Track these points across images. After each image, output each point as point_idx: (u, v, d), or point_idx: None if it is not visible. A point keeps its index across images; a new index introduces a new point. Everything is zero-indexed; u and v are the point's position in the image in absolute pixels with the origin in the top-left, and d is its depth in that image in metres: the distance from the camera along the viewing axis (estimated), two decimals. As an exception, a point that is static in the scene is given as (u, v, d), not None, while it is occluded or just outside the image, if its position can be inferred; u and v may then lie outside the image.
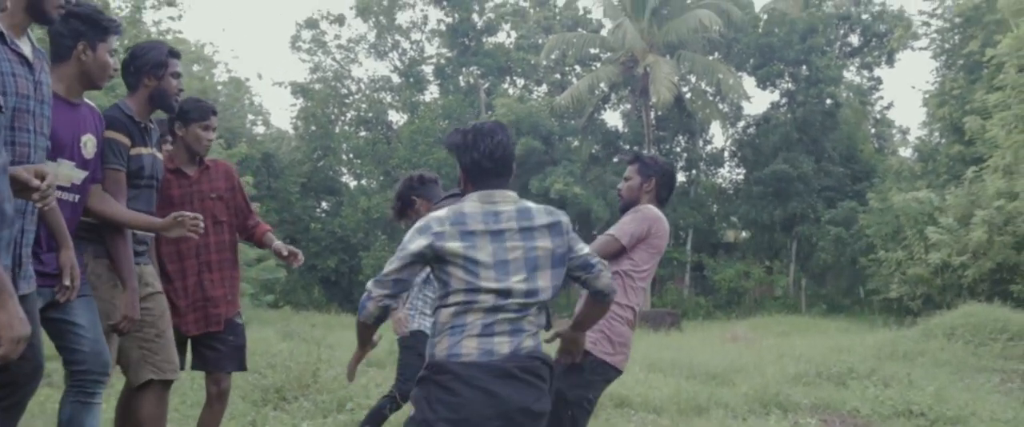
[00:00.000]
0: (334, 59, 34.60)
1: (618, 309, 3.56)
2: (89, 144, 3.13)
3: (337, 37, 34.48)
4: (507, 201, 2.73)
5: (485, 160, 2.71)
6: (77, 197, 3.10)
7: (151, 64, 3.42)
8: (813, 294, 27.63)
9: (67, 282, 2.91)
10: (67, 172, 2.97)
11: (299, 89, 33.16)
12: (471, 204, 2.71)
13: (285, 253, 3.93)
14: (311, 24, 33.81)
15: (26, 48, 2.61)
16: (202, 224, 3.33)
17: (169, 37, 15.75)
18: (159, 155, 3.59)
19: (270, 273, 19.46)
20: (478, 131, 2.75)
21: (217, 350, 3.90)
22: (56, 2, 2.66)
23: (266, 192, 27.57)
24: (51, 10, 2.65)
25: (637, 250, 3.67)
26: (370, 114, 34.15)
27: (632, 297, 3.66)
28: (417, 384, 2.71)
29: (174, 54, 3.51)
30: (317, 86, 33.65)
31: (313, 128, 32.79)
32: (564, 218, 2.80)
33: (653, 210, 3.75)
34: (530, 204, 2.79)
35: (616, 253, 3.63)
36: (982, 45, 21.03)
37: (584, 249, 2.81)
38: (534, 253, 2.69)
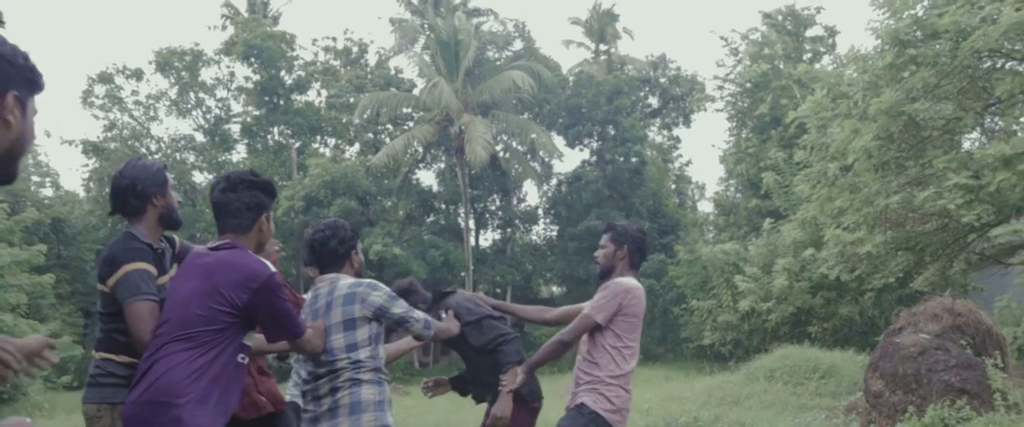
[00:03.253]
0: (131, 116, 32.71)
1: (614, 379, 3.95)
2: None
3: (135, 93, 32.63)
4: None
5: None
6: None
7: (156, 183, 3.26)
8: (629, 345, 28.48)
9: None
10: None
11: (91, 147, 31.02)
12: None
13: None
14: (105, 78, 31.78)
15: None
16: None
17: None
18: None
19: (64, 351, 17.81)
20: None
21: None
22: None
23: (56, 262, 25.34)
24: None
25: (616, 323, 4.01)
26: (172, 175, 32.32)
27: (624, 365, 4.00)
28: None
29: (164, 166, 3.39)
30: (113, 145, 31.60)
31: (107, 191, 30.58)
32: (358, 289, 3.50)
33: (623, 283, 4.07)
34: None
35: (593, 328, 4.03)
36: (771, 107, 22.96)
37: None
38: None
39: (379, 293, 3.49)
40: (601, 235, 4.30)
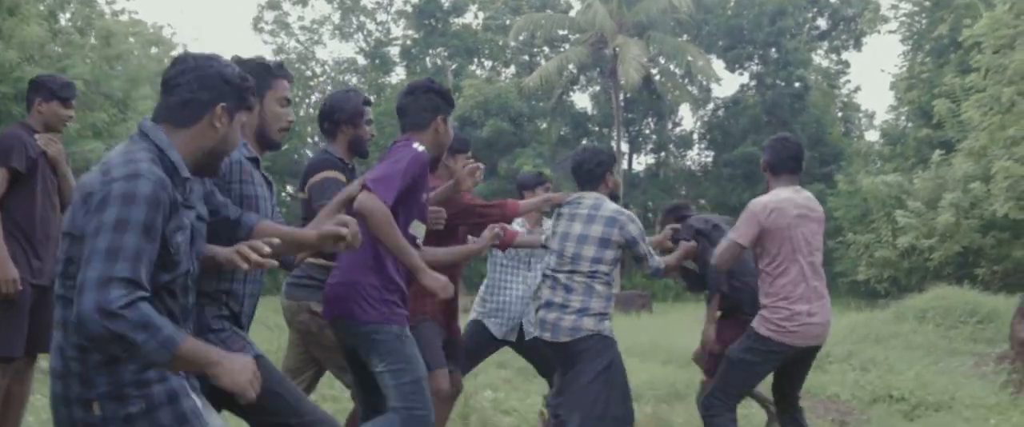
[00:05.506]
0: (298, 41, 34.02)
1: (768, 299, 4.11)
2: None
3: (300, 18, 34.08)
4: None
5: None
6: None
7: (348, 114, 3.62)
8: (782, 276, 27.65)
9: None
10: None
11: (263, 71, 32.50)
12: None
13: None
14: (273, 5, 33.16)
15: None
16: None
17: (124, 18, 15.14)
18: None
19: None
20: None
21: None
22: (280, 125, 2.93)
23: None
24: (276, 136, 2.93)
25: (760, 243, 4.15)
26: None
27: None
28: None
29: (367, 102, 3.74)
30: (281, 69, 32.99)
31: (287, 110, 32.15)
32: None
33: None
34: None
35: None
36: (951, 29, 21.07)
37: None
38: None
39: (635, 226, 4.12)
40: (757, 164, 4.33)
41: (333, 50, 44.77)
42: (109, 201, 1.94)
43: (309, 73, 34.00)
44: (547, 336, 4.15)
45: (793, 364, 4.14)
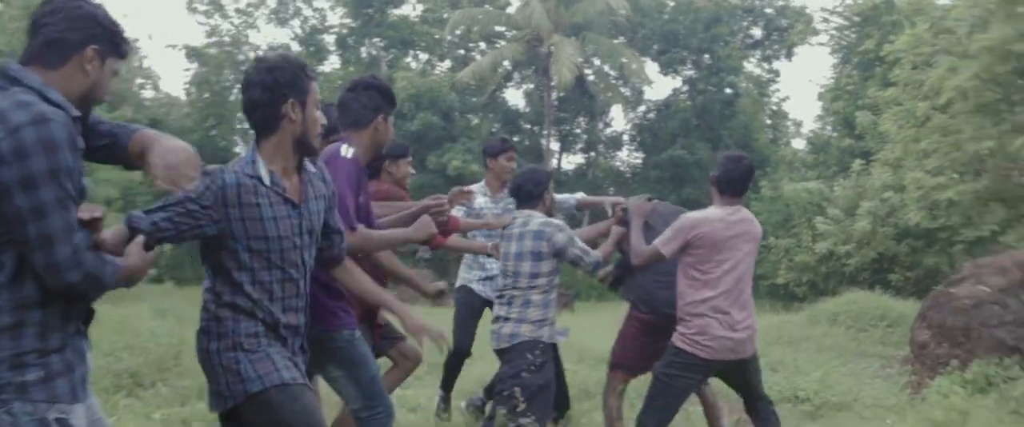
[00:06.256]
0: (232, 23, 33.26)
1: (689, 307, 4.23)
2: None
3: (236, 0, 33.14)
4: None
5: None
6: None
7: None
8: (705, 279, 28.08)
9: None
10: None
11: (194, 53, 31.72)
12: None
13: None
14: (208, -16, 32.33)
15: (291, 184, 2.66)
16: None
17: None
18: None
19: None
20: None
21: None
22: (317, 131, 2.70)
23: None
24: (316, 140, 2.71)
25: (688, 254, 4.26)
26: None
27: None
28: None
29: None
30: (213, 51, 32.26)
31: (206, 95, 31.42)
32: None
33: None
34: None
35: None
36: (878, 43, 21.66)
37: None
38: None
39: (562, 234, 4.27)
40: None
41: (268, 35, 44.07)
42: (28, 151, 1.87)
43: (242, 57, 33.31)
44: (493, 344, 4.42)
45: (728, 376, 4.27)
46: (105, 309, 9.14)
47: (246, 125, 21.08)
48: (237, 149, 32.28)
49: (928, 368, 6.65)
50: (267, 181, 2.58)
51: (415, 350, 4.26)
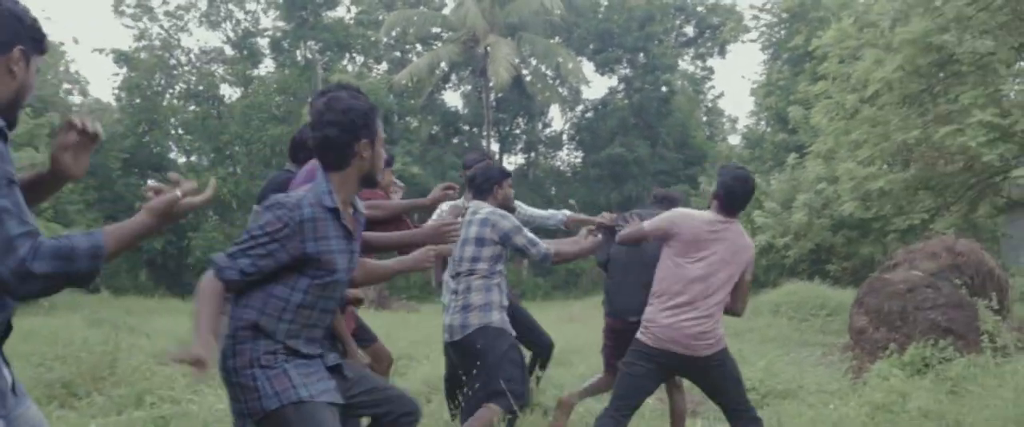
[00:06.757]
0: (161, 27, 32.48)
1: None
2: None
3: (165, 3, 32.37)
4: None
5: None
6: None
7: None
8: (647, 274, 28.37)
9: None
10: None
11: (122, 57, 30.90)
12: None
13: None
14: (136, -13, 31.50)
15: (347, 219, 2.73)
16: None
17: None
18: None
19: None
20: None
21: None
22: (382, 167, 2.80)
23: (82, 167, 25.48)
24: (379, 176, 2.81)
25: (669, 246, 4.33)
26: (200, 87, 32.27)
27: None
28: None
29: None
30: (143, 55, 31.47)
31: (137, 100, 30.61)
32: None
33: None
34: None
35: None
36: (806, 39, 22.14)
37: None
38: None
39: (507, 221, 4.41)
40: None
41: (199, 38, 43.19)
42: None
43: (173, 61, 32.58)
44: (446, 337, 4.49)
45: (693, 378, 4.24)
46: (37, 321, 8.83)
47: (181, 130, 20.52)
48: (172, 155, 31.59)
49: (867, 353, 6.78)
50: (341, 217, 2.67)
51: (386, 350, 4.42)
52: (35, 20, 2.07)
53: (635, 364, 4.17)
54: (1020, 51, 11.63)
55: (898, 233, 16.58)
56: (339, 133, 2.63)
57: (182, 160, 31.53)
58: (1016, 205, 13.86)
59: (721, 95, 50.17)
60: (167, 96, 31.90)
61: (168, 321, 11.64)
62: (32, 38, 2.04)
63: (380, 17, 31.23)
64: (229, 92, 32.71)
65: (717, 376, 4.22)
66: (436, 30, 30.95)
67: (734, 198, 4.16)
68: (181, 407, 5.01)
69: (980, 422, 5.02)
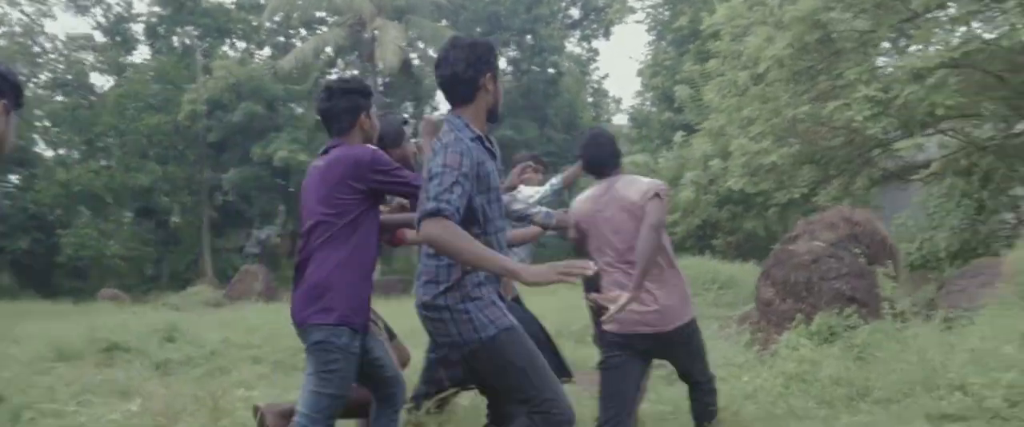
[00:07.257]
0: (23, 12, 30.56)
1: None
2: None
3: (27, -14, 30.44)
4: None
5: None
6: None
7: (392, 138, 3.87)
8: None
9: None
10: None
11: (-21, 45, 28.96)
12: None
13: None
14: (-8, -30, 29.52)
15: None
16: None
17: None
18: None
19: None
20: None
21: None
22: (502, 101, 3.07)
23: (-63, 162, 23.80)
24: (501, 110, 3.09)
25: None
26: (69, 76, 30.58)
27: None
28: None
29: (405, 122, 4.18)
30: (3, 42, 29.56)
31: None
32: None
33: None
34: None
35: None
36: (690, 20, 22.57)
37: None
38: None
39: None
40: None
41: (65, 25, 40.87)
42: None
43: (37, 49, 30.72)
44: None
45: (664, 357, 4.15)
46: None
47: (47, 122, 19.45)
48: (37, 148, 29.71)
49: (774, 324, 6.89)
50: (485, 141, 2.93)
51: (404, 348, 4.40)
52: (16, 77, 2.27)
53: (611, 357, 3.99)
54: (896, 29, 12.09)
55: (779, 207, 17.11)
56: (466, 67, 2.88)
57: (50, 154, 29.81)
58: (889, 176, 14.45)
59: (606, 76, 50.90)
60: (32, 86, 30.05)
61: (39, 325, 10.89)
62: (13, 94, 2.24)
63: (262, 1, 30.21)
64: (100, 81, 31.18)
65: (684, 350, 4.08)
66: (321, 14, 30.19)
67: (596, 161, 4.13)
68: (66, 420, 4.60)
69: (889, 385, 5.14)
